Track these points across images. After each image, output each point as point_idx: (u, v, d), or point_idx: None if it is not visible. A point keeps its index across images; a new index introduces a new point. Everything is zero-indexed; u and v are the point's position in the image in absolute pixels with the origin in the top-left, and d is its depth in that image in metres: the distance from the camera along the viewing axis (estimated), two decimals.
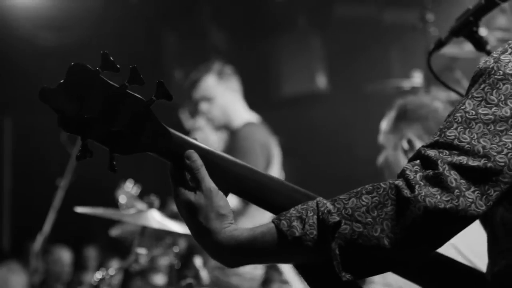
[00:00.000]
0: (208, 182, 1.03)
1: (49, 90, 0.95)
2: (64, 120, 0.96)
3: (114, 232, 3.34)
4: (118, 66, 0.97)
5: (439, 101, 2.06)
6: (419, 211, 0.92)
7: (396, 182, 0.96)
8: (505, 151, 0.96)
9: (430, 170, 0.95)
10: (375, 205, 0.96)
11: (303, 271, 1.04)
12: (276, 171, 3.64)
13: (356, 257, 0.97)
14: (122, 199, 3.34)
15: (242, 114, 3.85)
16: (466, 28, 1.60)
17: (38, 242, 3.07)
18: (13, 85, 6.59)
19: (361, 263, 0.98)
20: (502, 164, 0.95)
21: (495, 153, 0.96)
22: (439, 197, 0.92)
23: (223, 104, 3.75)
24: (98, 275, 3.05)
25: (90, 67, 0.97)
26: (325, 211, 0.97)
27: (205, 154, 1.04)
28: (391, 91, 3.93)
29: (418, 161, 0.98)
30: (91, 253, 6.20)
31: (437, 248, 1.00)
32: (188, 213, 1.04)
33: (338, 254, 0.95)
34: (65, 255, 5.57)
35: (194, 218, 1.03)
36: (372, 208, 0.96)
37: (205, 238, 1.04)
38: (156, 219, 2.53)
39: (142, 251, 2.80)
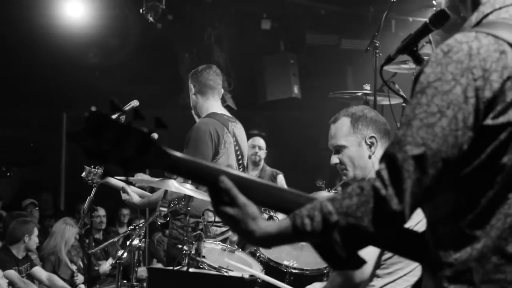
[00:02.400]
0: (241, 198, 1.01)
1: (74, 134, 0.97)
2: (87, 153, 0.95)
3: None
4: (123, 107, 1.00)
5: (368, 109, 2.06)
6: (392, 206, 0.92)
7: (375, 183, 0.95)
8: (437, 139, 0.93)
9: (392, 170, 0.94)
10: (362, 203, 0.95)
11: (316, 248, 1.03)
12: (231, 156, 3.09)
13: (351, 240, 0.97)
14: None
15: (208, 111, 3.10)
16: (409, 48, 1.63)
17: (86, 203, 3.03)
18: (69, 88, 6.54)
19: (354, 243, 0.98)
20: (435, 149, 0.93)
21: (430, 141, 0.94)
22: (396, 198, 0.92)
23: (195, 100, 3.11)
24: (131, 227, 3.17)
25: (103, 112, 0.96)
26: (327, 211, 0.96)
27: (220, 173, 1.02)
28: (347, 97, 3.93)
29: (384, 161, 0.96)
30: (124, 212, 6.24)
31: (400, 225, 0.99)
32: (231, 223, 1.03)
33: (339, 240, 0.95)
34: (101, 212, 5.60)
35: (237, 226, 1.02)
36: (360, 205, 0.95)
37: (248, 237, 1.04)
38: (175, 185, 2.59)
39: (163, 209, 2.83)
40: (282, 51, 6.57)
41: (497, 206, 0.96)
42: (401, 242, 1.13)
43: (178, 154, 1.01)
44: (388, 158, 0.96)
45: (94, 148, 0.96)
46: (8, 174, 7.52)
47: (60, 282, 4.44)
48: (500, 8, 1.04)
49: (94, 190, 2.98)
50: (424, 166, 0.93)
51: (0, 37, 5.71)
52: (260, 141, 4.97)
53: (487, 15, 1.05)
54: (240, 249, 2.99)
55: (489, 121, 0.94)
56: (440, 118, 0.94)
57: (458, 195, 1.01)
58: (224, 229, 3.10)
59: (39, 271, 4.44)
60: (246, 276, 2.45)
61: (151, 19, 5.25)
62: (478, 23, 1.05)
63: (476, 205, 0.98)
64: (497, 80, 0.94)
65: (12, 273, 4.08)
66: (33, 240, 4.36)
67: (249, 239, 1.07)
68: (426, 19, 1.58)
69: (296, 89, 6.21)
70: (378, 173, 0.96)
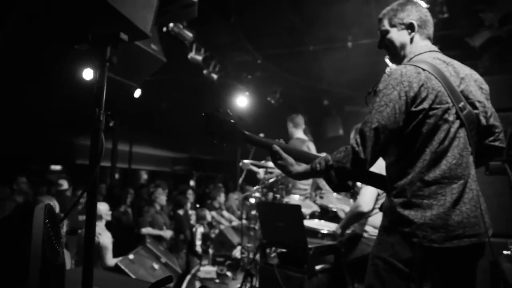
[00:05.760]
0: (284, 154, 1.84)
1: (209, 120, 1.89)
2: (210, 136, 1.86)
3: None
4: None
5: None
6: (359, 156, 1.61)
7: (353, 145, 1.63)
8: (384, 119, 1.60)
9: (361, 137, 1.61)
10: (346, 155, 1.64)
11: (325, 180, 1.73)
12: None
13: (340, 175, 1.66)
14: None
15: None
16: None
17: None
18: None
19: (343, 176, 1.67)
20: (384, 124, 1.59)
21: (381, 120, 1.60)
22: (362, 152, 1.60)
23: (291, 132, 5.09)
24: None
25: (211, 113, 1.89)
26: (327, 160, 1.69)
27: (273, 144, 1.87)
28: None
29: (359, 133, 1.63)
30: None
31: (367, 169, 1.65)
32: (281, 168, 1.85)
33: (334, 175, 1.66)
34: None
35: (283, 169, 1.84)
36: (345, 156, 1.65)
37: (289, 174, 1.83)
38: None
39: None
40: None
41: (419, 155, 1.61)
42: (373, 179, 1.85)
43: (250, 133, 1.86)
44: (360, 131, 1.62)
45: (214, 132, 1.83)
46: None
47: None
48: (420, 54, 1.79)
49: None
50: (378, 134, 1.58)
51: None
52: None
53: (411, 58, 1.79)
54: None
55: (413, 109, 1.61)
56: (386, 108, 1.60)
57: (399, 150, 1.67)
58: None
59: None
60: None
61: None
62: (408, 61, 1.78)
63: (408, 155, 1.64)
64: (416, 86, 1.62)
65: None
66: None
67: (290, 175, 1.82)
68: None
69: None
70: (355, 139, 1.62)
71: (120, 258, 3.63)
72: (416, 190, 1.60)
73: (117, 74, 4.19)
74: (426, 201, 1.58)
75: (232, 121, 1.83)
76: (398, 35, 1.87)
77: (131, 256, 3.62)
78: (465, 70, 1.81)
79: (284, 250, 2.75)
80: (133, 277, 3.28)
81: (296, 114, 5.19)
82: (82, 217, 4.99)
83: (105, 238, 4.23)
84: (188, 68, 6.81)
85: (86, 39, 1.69)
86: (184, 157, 16.00)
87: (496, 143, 1.86)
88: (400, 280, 1.62)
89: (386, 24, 1.89)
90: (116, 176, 12.63)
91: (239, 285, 3.13)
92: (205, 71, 7.00)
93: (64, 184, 5.30)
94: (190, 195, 6.58)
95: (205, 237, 5.80)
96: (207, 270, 4.66)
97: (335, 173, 1.65)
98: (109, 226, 6.06)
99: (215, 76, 7.04)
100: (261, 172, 4.92)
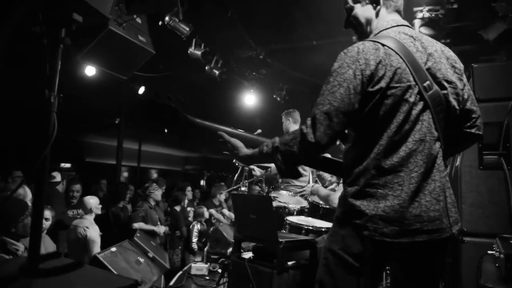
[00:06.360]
0: (230, 139, 1.75)
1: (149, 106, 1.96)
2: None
3: None
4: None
5: None
6: (306, 139, 1.45)
7: (302, 127, 1.48)
8: (337, 100, 1.45)
9: (312, 120, 1.46)
10: (294, 137, 1.50)
11: (277, 167, 1.59)
12: None
13: (287, 159, 1.52)
14: None
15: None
16: None
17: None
18: None
19: (290, 161, 1.52)
20: (337, 106, 1.44)
21: (333, 101, 1.45)
22: (311, 134, 1.45)
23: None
24: None
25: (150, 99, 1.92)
26: (274, 142, 1.55)
27: (218, 128, 1.79)
28: None
29: (310, 116, 1.47)
30: None
31: (318, 154, 1.52)
32: (228, 151, 1.76)
33: (280, 159, 1.52)
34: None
35: (231, 152, 1.75)
36: (292, 139, 1.50)
37: (236, 154, 1.73)
38: None
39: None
40: None
41: (376, 140, 1.46)
42: (327, 165, 1.75)
43: (194, 118, 1.83)
44: (312, 114, 1.46)
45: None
46: None
47: None
48: (386, 29, 1.62)
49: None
50: (330, 117, 1.43)
51: None
52: None
53: (375, 35, 1.62)
54: None
55: (370, 89, 1.45)
56: (339, 88, 1.44)
57: (355, 134, 1.54)
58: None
59: None
60: None
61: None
62: (373, 37, 1.61)
63: (364, 140, 1.50)
64: (374, 64, 1.45)
65: None
66: None
67: (237, 159, 1.73)
68: None
69: None
70: (306, 122, 1.47)
71: (101, 251, 3.57)
72: (370, 178, 1.46)
73: (104, 66, 4.16)
74: (381, 191, 1.44)
75: (173, 105, 1.75)
76: (362, 11, 1.74)
77: (113, 249, 3.56)
78: (435, 46, 1.63)
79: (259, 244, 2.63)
80: (112, 270, 3.20)
81: (293, 109, 5.05)
82: (71, 212, 4.97)
83: (92, 231, 4.19)
84: (194, 65, 6.78)
85: (37, 20, 1.66)
86: (195, 156, 16.02)
87: (473, 130, 1.69)
88: (349, 275, 1.48)
89: (349, 1, 1.76)
90: (125, 174, 12.73)
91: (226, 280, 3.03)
92: (207, 67, 6.95)
93: (57, 177, 5.31)
94: (189, 191, 6.51)
95: (202, 234, 5.71)
96: (199, 267, 4.57)
97: (282, 157, 1.53)
98: (107, 221, 6.07)
99: (216, 72, 6.97)
100: (256, 169, 4.79)
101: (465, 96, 1.64)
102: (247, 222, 2.58)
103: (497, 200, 2.59)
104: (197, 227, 5.62)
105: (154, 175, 14.69)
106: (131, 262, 3.65)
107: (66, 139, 10.21)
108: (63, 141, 10.07)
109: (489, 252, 2.35)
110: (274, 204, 3.73)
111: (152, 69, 7.30)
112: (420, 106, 1.49)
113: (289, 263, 2.47)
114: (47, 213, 3.69)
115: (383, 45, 1.51)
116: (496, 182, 2.61)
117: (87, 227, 4.17)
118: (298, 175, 1.61)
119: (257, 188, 4.37)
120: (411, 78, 1.48)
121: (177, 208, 6.00)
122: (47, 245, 3.85)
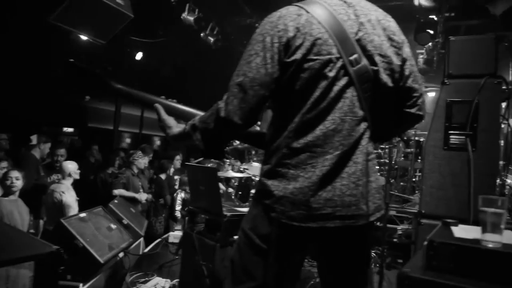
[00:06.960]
0: (164, 115, 1.57)
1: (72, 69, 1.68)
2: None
3: None
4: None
5: None
6: (220, 113, 1.32)
7: (219, 102, 1.35)
8: (253, 70, 1.31)
9: (227, 94, 1.33)
10: (211, 114, 1.36)
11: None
12: None
13: (206, 137, 1.38)
14: None
15: None
16: None
17: None
18: None
19: (210, 140, 1.39)
20: (252, 77, 1.31)
21: (248, 72, 1.32)
22: (224, 109, 1.32)
23: None
24: None
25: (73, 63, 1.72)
26: (195, 120, 1.41)
27: (155, 101, 1.62)
28: None
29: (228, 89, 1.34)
30: None
31: (235, 130, 1.36)
32: (161, 128, 1.56)
33: (199, 137, 1.39)
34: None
35: (164, 129, 1.54)
36: (210, 116, 1.36)
37: (167, 134, 1.53)
38: None
39: None
40: None
41: (291, 117, 1.35)
42: (254, 139, 1.61)
43: (122, 86, 1.63)
44: (229, 86, 1.34)
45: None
46: None
47: None
48: None
49: None
50: (244, 89, 1.30)
51: None
52: None
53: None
54: None
55: (286, 59, 1.31)
56: (255, 57, 1.32)
57: (274, 111, 1.43)
58: None
59: None
60: None
61: None
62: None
63: (280, 116, 1.40)
64: (292, 31, 1.31)
65: None
66: None
67: (167, 136, 1.55)
68: None
69: None
70: (224, 96, 1.35)
71: (68, 216, 3.58)
72: (281, 157, 1.36)
73: (78, 29, 4.05)
74: (293, 171, 1.34)
75: (97, 71, 1.61)
76: None
77: (82, 215, 3.55)
78: (370, 14, 1.44)
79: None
80: (75, 235, 3.21)
81: None
82: (55, 176, 4.99)
83: (68, 196, 4.21)
84: (192, 31, 6.61)
85: None
86: None
87: (412, 110, 1.52)
88: (256, 256, 1.39)
89: None
90: (128, 140, 12.82)
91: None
92: (202, 34, 6.78)
93: (33, 140, 5.31)
94: (178, 160, 6.48)
95: (186, 202, 5.72)
96: (177, 235, 4.57)
97: (201, 135, 1.40)
98: (94, 187, 6.12)
99: (211, 39, 6.80)
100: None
101: (406, 73, 1.47)
102: (198, 194, 2.52)
103: (458, 182, 2.46)
104: (181, 195, 5.61)
105: (157, 142, 14.75)
106: (101, 228, 3.65)
107: (69, 104, 10.25)
108: (67, 106, 10.11)
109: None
110: (244, 176, 3.65)
111: (151, 36, 7.18)
112: (343, 81, 1.35)
113: (235, 237, 2.42)
114: (16, 173, 3.70)
115: (307, 11, 1.37)
116: (460, 164, 2.47)
117: (63, 192, 4.19)
118: (221, 156, 1.49)
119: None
120: (334, 50, 1.34)
121: (162, 176, 5.98)
122: (21, 209, 3.88)
